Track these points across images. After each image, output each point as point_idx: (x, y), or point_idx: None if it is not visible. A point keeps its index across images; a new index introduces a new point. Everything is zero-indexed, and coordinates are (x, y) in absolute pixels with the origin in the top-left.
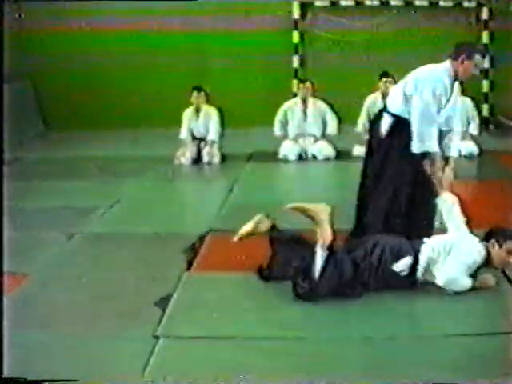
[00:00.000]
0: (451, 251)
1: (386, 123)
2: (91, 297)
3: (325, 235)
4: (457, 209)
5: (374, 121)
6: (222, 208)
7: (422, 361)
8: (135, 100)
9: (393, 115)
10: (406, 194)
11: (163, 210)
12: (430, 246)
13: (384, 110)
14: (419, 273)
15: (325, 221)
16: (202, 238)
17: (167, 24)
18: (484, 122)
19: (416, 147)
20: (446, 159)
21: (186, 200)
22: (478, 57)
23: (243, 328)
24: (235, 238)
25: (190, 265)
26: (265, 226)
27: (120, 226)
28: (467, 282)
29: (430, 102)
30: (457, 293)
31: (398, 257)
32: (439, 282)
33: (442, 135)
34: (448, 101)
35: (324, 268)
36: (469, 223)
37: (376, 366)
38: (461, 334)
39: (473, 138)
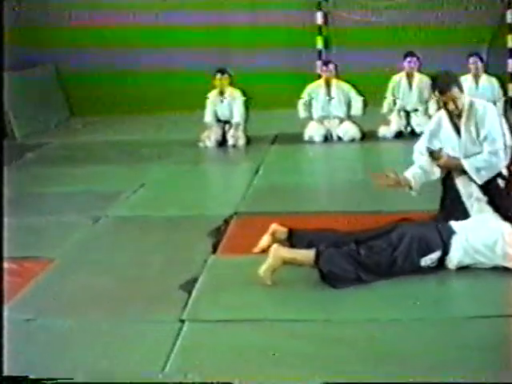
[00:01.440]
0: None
1: None
2: (117, 280)
3: None
4: (475, 189)
5: None
6: (247, 190)
7: (449, 342)
8: (159, 84)
9: None
10: None
11: (188, 193)
12: (461, 238)
13: None
14: (451, 265)
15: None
16: (227, 221)
17: (189, 6)
18: (510, 102)
19: None
20: None
21: (212, 183)
22: (436, 94)
23: (269, 311)
24: (255, 250)
25: (215, 248)
26: (282, 234)
27: (145, 209)
28: None
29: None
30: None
31: (426, 251)
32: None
33: None
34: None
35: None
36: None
37: (404, 347)
38: (488, 316)
39: None
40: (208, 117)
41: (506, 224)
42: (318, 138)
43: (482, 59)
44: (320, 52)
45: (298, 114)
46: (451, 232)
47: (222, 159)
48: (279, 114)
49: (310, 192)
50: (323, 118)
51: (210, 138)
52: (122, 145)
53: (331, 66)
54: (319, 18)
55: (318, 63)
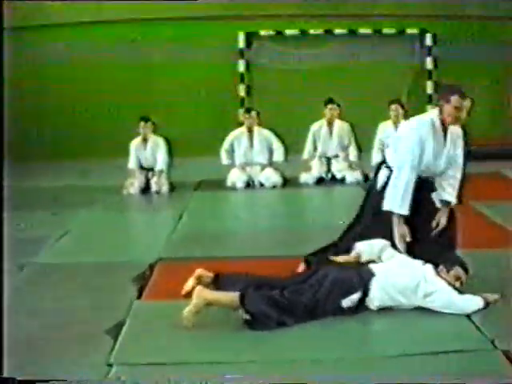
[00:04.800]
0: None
1: (382, 176)
2: (43, 326)
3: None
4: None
5: (375, 174)
6: (171, 236)
7: (370, 382)
8: (84, 131)
9: (389, 168)
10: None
11: (113, 239)
12: (382, 280)
13: (384, 162)
14: (372, 306)
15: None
16: (151, 267)
17: (114, 55)
18: None
19: (385, 204)
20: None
21: (136, 229)
22: (455, 98)
23: (195, 354)
24: (183, 292)
25: (140, 293)
26: (207, 278)
27: (70, 255)
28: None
29: (406, 156)
30: (400, 312)
31: (347, 293)
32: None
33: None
34: (436, 153)
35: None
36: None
37: None
38: (408, 355)
39: None
40: (131, 164)
41: (428, 264)
42: (240, 184)
43: (402, 106)
44: (242, 99)
45: (221, 160)
46: (371, 274)
47: (146, 206)
48: (202, 160)
49: (233, 238)
50: (245, 165)
51: (133, 185)
52: (47, 191)
53: (253, 113)
54: (241, 66)
55: (241, 111)
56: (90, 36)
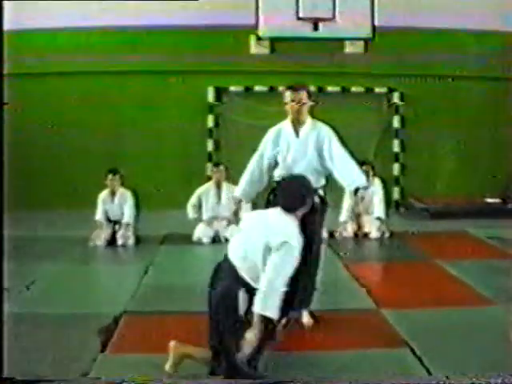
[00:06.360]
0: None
1: None
2: (6, 378)
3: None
4: None
5: None
6: (136, 290)
7: None
8: (50, 181)
9: None
10: None
11: (78, 291)
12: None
13: None
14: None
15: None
16: (116, 320)
17: (83, 106)
18: (395, 205)
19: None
20: None
21: (101, 282)
22: (287, 93)
23: None
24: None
25: (104, 346)
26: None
27: (35, 306)
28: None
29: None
30: None
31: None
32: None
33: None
34: (288, 144)
35: None
36: None
37: None
38: None
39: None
40: (99, 215)
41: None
42: (206, 239)
43: (373, 167)
44: (210, 154)
45: (187, 214)
46: None
47: (112, 259)
48: (169, 214)
49: (198, 292)
50: (213, 219)
51: (99, 237)
52: (12, 240)
53: (221, 168)
54: (210, 120)
55: (209, 165)
56: (58, 87)
